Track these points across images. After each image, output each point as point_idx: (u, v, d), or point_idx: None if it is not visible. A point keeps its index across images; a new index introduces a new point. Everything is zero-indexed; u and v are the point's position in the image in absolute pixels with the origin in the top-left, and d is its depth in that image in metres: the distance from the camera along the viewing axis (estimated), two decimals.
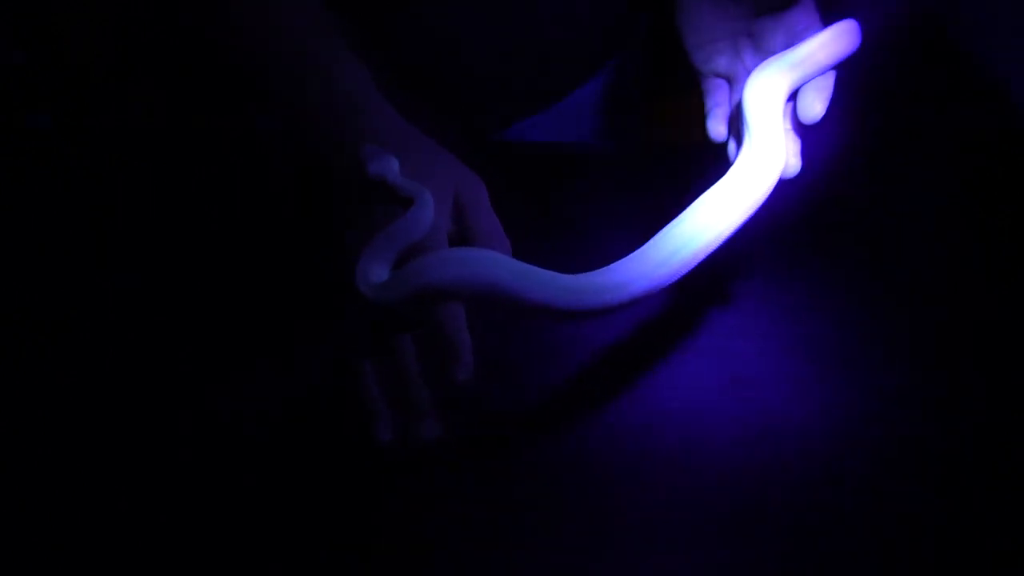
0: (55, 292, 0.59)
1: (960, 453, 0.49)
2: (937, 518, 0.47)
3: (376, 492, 0.48)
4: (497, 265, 0.41)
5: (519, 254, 0.45)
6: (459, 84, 0.69)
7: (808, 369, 0.54)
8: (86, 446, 0.50)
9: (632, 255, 0.44)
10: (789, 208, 0.51)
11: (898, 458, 0.49)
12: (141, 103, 0.91)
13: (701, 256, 0.45)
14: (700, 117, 0.56)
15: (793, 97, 0.52)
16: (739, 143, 0.51)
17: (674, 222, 0.46)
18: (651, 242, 0.45)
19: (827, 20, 0.54)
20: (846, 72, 0.53)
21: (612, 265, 0.44)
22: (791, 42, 0.53)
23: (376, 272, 0.42)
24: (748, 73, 0.53)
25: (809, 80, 0.51)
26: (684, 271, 0.45)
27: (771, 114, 0.49)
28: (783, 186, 0.49)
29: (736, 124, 0.52)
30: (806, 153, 0.51)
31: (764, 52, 0.54)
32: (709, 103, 0.55)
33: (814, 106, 0.50)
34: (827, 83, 0.51)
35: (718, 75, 0.56)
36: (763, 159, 0.48)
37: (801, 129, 0.52)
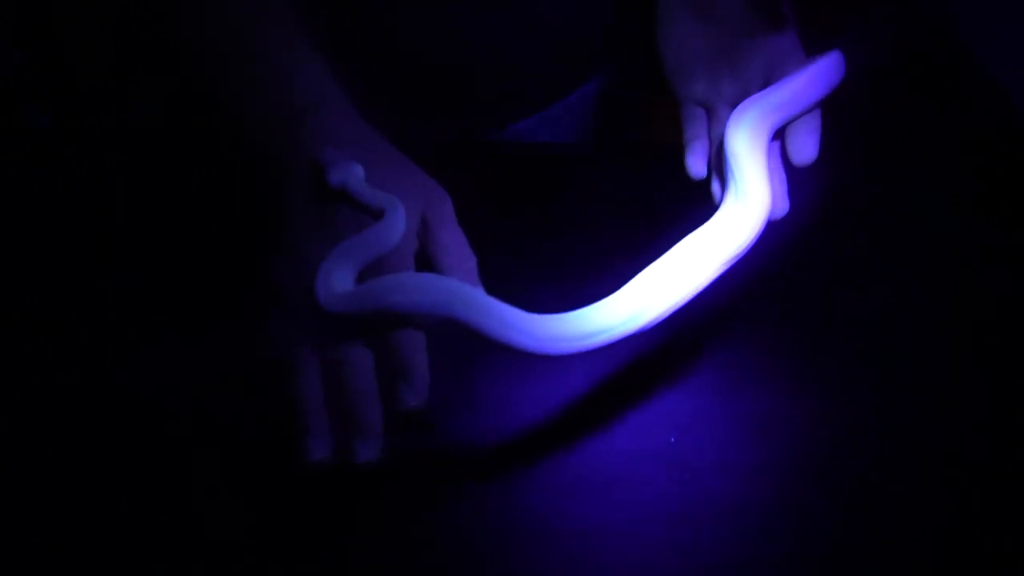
0: (55, 292, 0.59)
1: (960, 453, 0.49)
2: (937, 518, 0.47)
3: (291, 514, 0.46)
4: (464, 298, 0.40)
5: (517, 256, 0.45)
6: (457, 85, 0.69)
7: (808, 369, 0.54)
8: (84, 446, 0.50)
9: (603, 302, 0.43)
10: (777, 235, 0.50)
11: (898, 458, 0.49)
12: (141, 103, 0.91)
13: (675, 307, 0.44)
14: None
15: (777, 134, 0.50)
16: (722, 184, 0.49)
17: (650, 269, 0.45)
18: (624, 290, 0.44)
19: (806, 41, 0.52)
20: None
21: (581, 311, 0.43)
22: (770, 69, 0.52)
23: (338, 280, 0.41)
24: (726, 103, 0.51)
25: (794, 118, 0.50)
26: (655, 323, 0.44)
27: (755, 158, 0.47)
28: (769, 225, 0.47)
29: (718, 163, 0.51)
30: (792, 191, 0.49)
31: (742, 79, 0.52)
32: (687, 134, 0.54)
33: (806, 148, 0.49)
34: (816, 122, 0.50)
35: (696, 101, 0.54)
36: (748, 208, 0.46)
37: (788, 168, 0.50)
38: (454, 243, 0.45)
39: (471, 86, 0.69)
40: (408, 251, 0.43)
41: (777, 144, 0.51)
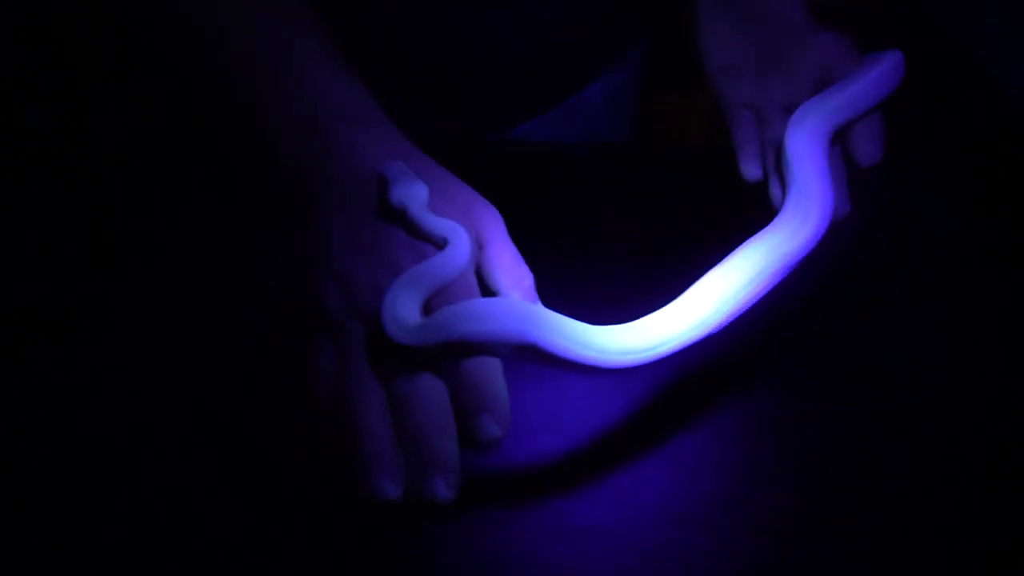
0: (54, 292, 0.59)
1: (960, 453, 0.50)
2: (938, 520, 0.47)
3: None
4: (538, 321, 0.39)
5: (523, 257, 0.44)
6: (460, 86, 0.69)
7: (807, 369, 0.54)
8: (86, 448, 0.50)
9: (667, 309, 0.42)
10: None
11: (899, 458, 0.49)
12: (141, 103, 0.91)
13: (741, 311, 0.43)
14: (700, 118, 0.55)
15: (836, 136, 0.50)
16: (782, 187, 0.48)
17: (713, 273, 0.43)
18: (689, 295, 0.42)
19: (859, 43, 0.50)
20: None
21: (646, 320, 0.41)
22: (825, 69, 0.50)
23: (403, 311, 0.39)
24: (776, 105, 0.50)
25: (854, 120, 0.49)
26: (725, 324, 0.43)
27: (818, 160, 0.47)
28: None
29: (776, 166, 0.50)
30: (853, 193, 0.49)
31: (794, 80, 0.51)
32: (737, 137, 0.52)
33: (871, 149, 0.48)
34: (879, 123, 0.48)
35: (743, 104, 0.52)
36: (812, 210, 0.45)
37: (849, 170, 0.49)
38: (510, 262, 0.43)
39: (474, 87, 0.69)
40: (472, 277, 0.42)
41: (837, 146, 0.50)
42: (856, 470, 0.49)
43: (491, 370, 0.39)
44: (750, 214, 0.49)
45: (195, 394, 0.52)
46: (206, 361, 0.54)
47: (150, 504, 0.47)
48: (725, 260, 0.44)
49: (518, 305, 0.39)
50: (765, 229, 0.46)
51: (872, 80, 0.49)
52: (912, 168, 0.68)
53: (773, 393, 0.52)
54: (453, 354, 0.39)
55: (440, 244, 0.41)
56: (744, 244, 0.45)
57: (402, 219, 0.41)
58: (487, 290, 0.44)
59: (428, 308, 0.40)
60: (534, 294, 0.43)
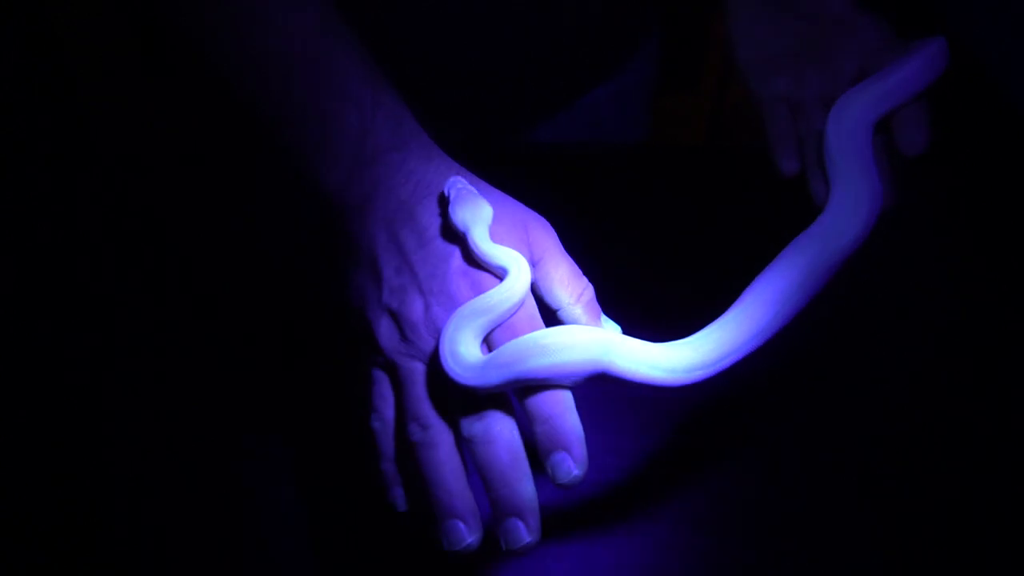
0: (55, 292, 0.59)
1: (960, 453, 0.50)
2: (936, 518, 0.47)
3: None
4: (604, 348, 0.37)
5: None
6: (470, 89, 0.69)
7: (806, 368, 0.54)
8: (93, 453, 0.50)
9: (729, 316, 0.40)
10: None
11: (898, 458, 0.49)
12: (141, 103, 0.91)
13: (799, 310, 0.41)
14: (703, 117, 0.55)
15: (879, 126, 0.48)
16: (824, 180, 0.46)
17: (765, 275, 0.42)
18: (746, 301, 0.41)
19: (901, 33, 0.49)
20: None
21: (709, 332, 0.40)
22: (865, 59, 0.48)
23: (465, 350, 0.36)
24: (814, 98, 0.48)
25: (897, 109, 0.47)
26: (783, 327, 0.41)
27: (863, 151, 0.45)
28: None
29: (817, 159, 0.48)
30: (897, 185, 0.47)
31: (832, 73, 0.49)
32: (772, 132, 0.50)
33: (917, 138, 0.46)
34: (923, 110, 0.47)
35: (778, 98, 0.50)
36: (860, 202, 0.44)
37: (895, 160, 0.47)
38: (567, 275, 0.41)
39: (487, 92, 0.70)
40: (533, 306, 0.39)
41: (880, 136, 0.48)
42: (854, 470, 0.49)
43: (562, 404, 0.37)
44: (761, 214, 0.49)
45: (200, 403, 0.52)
46: (211, 366, 0.54)
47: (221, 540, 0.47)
48: (775, 260, 0.42)
49: (582, 333, 0.37)
50: (812, 225, 0.43)
51: (915, 68, 0.47)
52: (912, 168, 0.68)
53: (770, 393, 0.52)
54: (519, 391, 0.37)
55: (499, 273, 0.39)
56: (792, 242, 0.43)
57: (463, 242, 0.39)
58: (546, 309, 0.42)
59: (489, 342, 0.38)
60: (595, 305, 0.42)
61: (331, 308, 0.52)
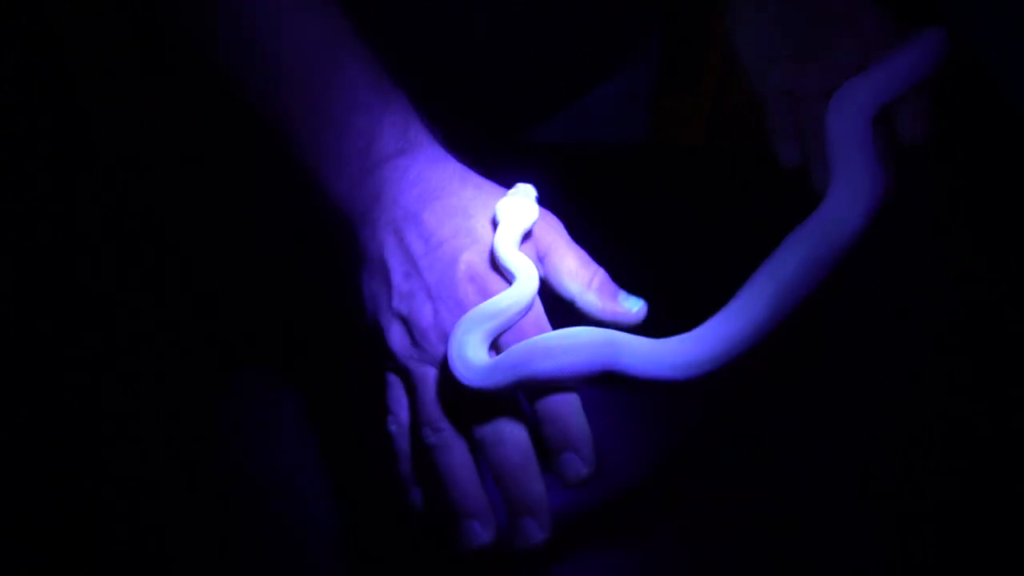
0: (55, 292, 0.59)
1: (960, 453, 0.50)
2: (936, 518, 0.47)
3: None
4: (609, 348, 0.37)
5: None
6: (467, 88, 0.69)
7: (805, 368, 0.54)
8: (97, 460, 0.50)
9: (730, 308, 0.40)
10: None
11: (896, 458, 0.49)
12: (141, 103, 0.91)
13: (799, 302, 0.41)
14: (703, 117, 0.54)
15: (881, 116, 0.47)
16: (825, 172, 0.46)
17: (765, 267, 0.41)
18: (747, 291, 0.41)
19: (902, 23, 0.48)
20: None
21: (711, 325, 0.40)
22: (866, 51, 0.48)
23: (472, 353, 0.37)
24: (815, 91, 0.48)
25: (897, 99, 0.47)
26: (785, 318, 0.41)
27: (863, 142, 0.45)
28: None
29: (818, 151, 0.48)
30: (898, 175, 0.47)
31: (833, 65, 0.49)
32: (772, 124, 0.50)
33: (918, 128, 0.46)
34: (925, 100, 0.46)
35: (779, 91, 0.50)
36: (861, 193, 0.44)
37: (895, 151, 0.47)
38: (576, 265, 0.41)
39: (483, 90, 0.70)
40: (540, 310, 0.40)
41: (882, 127, 0.47)
42: (854, 469, 0.49)
43: (570, 405, 0.37)
44: (761, 214, 0.49)
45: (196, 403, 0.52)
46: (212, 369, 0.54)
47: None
48: (776, 251, 0.42)
49: (584, 336, 0.38)
50: (813, 215, 0.43)
51: (914, 57, 0.47)
52: (912, 168, 0.68)
53: (768, 394, 0.52)
54: (527, 393, 0.38)
55: (508, 277, 0.39)
56: (793, 233, 0.42)
57: (478, 244, 0.40)
58: (558, 294, 0.42)
59: (497, 346, 0.39)
60: (609, 287, 0.42)
61: (331, 308, 0.52)
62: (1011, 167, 0.67)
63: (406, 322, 0.40)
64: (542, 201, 0.43)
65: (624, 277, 0.43)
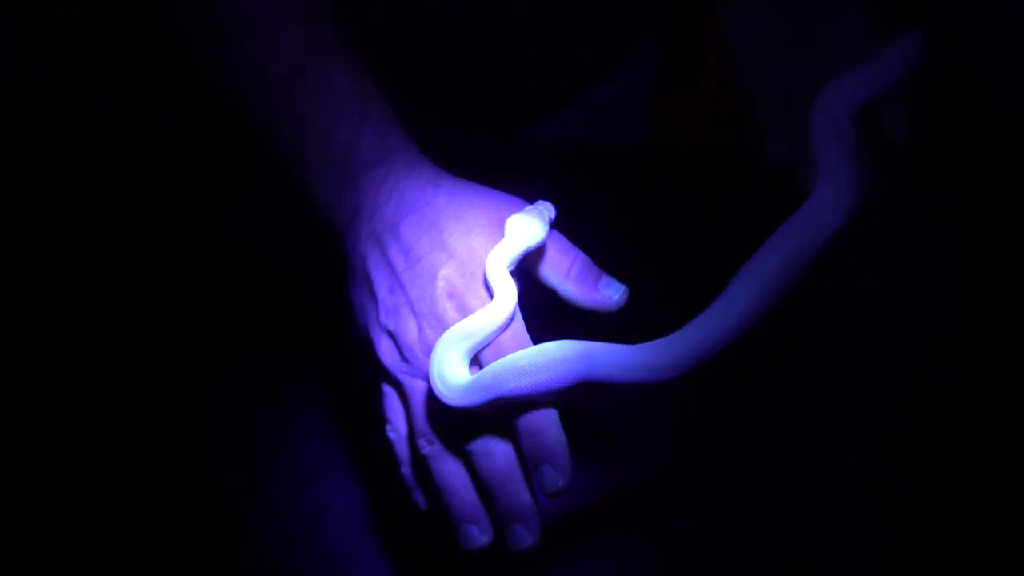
0: (55, 292, 0.59)
1: (960, 453, 0.50)
2: (936, 518, 0.47)
3: None
4: (584, 361, 0.38)
5: None
6: (467, 88, 0.69)
7: (805, 368, 0.54)
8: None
9: (711, 310, 0.41)
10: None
11: (896, 458, 0.49)
12: (141, 103, 0.91)
13: (779, 300, 0.41)
14: (703, 117, 0.54)
15: (866, 115, 0.48)
16: (809, 170, 0.46)
17: (749, 266, 0.42)
18: (729, 293, 0.41)
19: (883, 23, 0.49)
20: None
21: (691, 327, 0.40)
22: (854, 53, 0.48)
23: (452, 371, 0.38)
24: (804, 88, 0.48)
25: (880, 97, 0.47)
26: (764, 317, 0.41)
27: (844, 140, 0.46)
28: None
29: (803, 149, 0.48)
30: (884, 174, 0.47)
31: (822, 63, 0.49)
32: (762, 121, 0.50)
33: (901, 125, 0.46)
34: (910, 98, 0.47)
35: (769, 89, 0.51)
36: (842, 192, 0.44)
37: (881, 150, 0.47)
38: (552, 254, 0.42)
39: (483, 90, 0.69)
40: (520, 326, 0.41)
41: (868, 125, 0.48)
42: (852, 469, 0.49)
43: (547, 420, 0.39)
44: (761, 214, 0.49)
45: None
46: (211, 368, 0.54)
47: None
48: (758, 250, 0.43)
49: (557, 352, 0.38)
50: (795, 214, 0.44)
51: (897, 56, 0.47)
52: (911, 168, 0.68)
53: (765, 393, 0.52)
54: (503, 411, 0.39)
55: (491, 292, 0.40)
56: (775, 232, 0.43)
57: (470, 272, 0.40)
58: (543, 283, 0.42)
59: (479, 362, 0.40)
60: (589, 273, 0.42)
61: (331, 308, 0.53)
62: (1010, 167, 0.67)
63: (393, 337, 0.41)
64: (542, 201, 0.43)
65: (624, 277, 0.43)
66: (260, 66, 0.44)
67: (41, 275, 0.60)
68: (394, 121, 0.45)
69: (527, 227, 0.40)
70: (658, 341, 0.39)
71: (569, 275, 0.42)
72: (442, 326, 0.39)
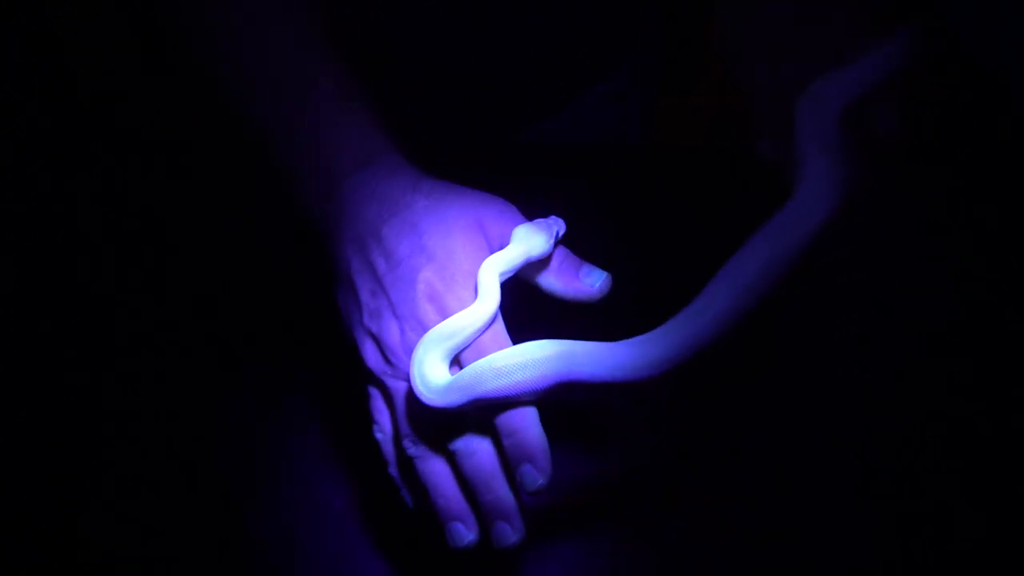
0: (55, 292, 0.59)
1: (959, 453, 0.50)
2: (935, 518, 0.47)
3: None
4: (562, 359, 0.39)
5: None
6: (467, 88, 0.69)
7: (805, 369, 0.54)
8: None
9: (691, 307, 0.41)
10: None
11: (896, 458, 0.49)
12: (141, 103, 0.91)
13: (762, 299, 0.41)
14: (703, 117, 0.55)
15: (854, 113, 0.48)
16: (795, 166, 0.47)
17: (730, 264, 0.42)
18: (709, 291, 0.41)
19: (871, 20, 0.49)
20: None
21: (672, 324, 0.40)
22: (839, 48, 0.49)
23: (431, 372, 0.39)
24: (796, 87, 0.48)
25: (868, 95, 0.47)
26: (747, 316, 0.41)
27: (830, 140, 0.46)
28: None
29: (791, 147, 0.48)
30: (873, 173, 0.47)
31: (813, 61, 0.49)
32: (753, 119, 0.51)
33: (889, 124, 0.46)
34: (899, 97, 0.47)
35: (761, 86, 0.51)
36: (826, 191, 0.44)
37: (869, 149, 0.47)
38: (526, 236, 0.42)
39: (483, 90, 0.69)
40: (500, 327, 0.41)
41: (856, 124, 0.48)
42: (850, 468, 0.49)
43: (526, 419, 0.39)
44: (761, 214, 0.49)
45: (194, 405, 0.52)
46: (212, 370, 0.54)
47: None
48: (741, 248, 0.43)
49: (535, 352, 0.39)
50: (780, 211, 0.44)
51: (885, 54, 0.47)
52: (911, 168, 0.68)
53: (762, 393, 0.52)
54: (483, 411, 0.39)
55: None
56: (759, 229, 0.43)
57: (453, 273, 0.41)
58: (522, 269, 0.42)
59: (459, 362, 0.40)
60: (571, 261, 0.43)
61: (331, 308, 0.53)
62: (1011, 168, 0.67)
63: (376, 340, 0.41)
64: (542, 201, 0.43)
65: (624, 277, 0.43)
66: (250, 66, 0.45)
67: (41, 275, 0.60)
68: (379, 124, 0.45)
69: (531, 238, 0.41)
70: (635, 339, 0.40)
71: (550, 268, 0.43)
72: (423, 328, 0.40)
